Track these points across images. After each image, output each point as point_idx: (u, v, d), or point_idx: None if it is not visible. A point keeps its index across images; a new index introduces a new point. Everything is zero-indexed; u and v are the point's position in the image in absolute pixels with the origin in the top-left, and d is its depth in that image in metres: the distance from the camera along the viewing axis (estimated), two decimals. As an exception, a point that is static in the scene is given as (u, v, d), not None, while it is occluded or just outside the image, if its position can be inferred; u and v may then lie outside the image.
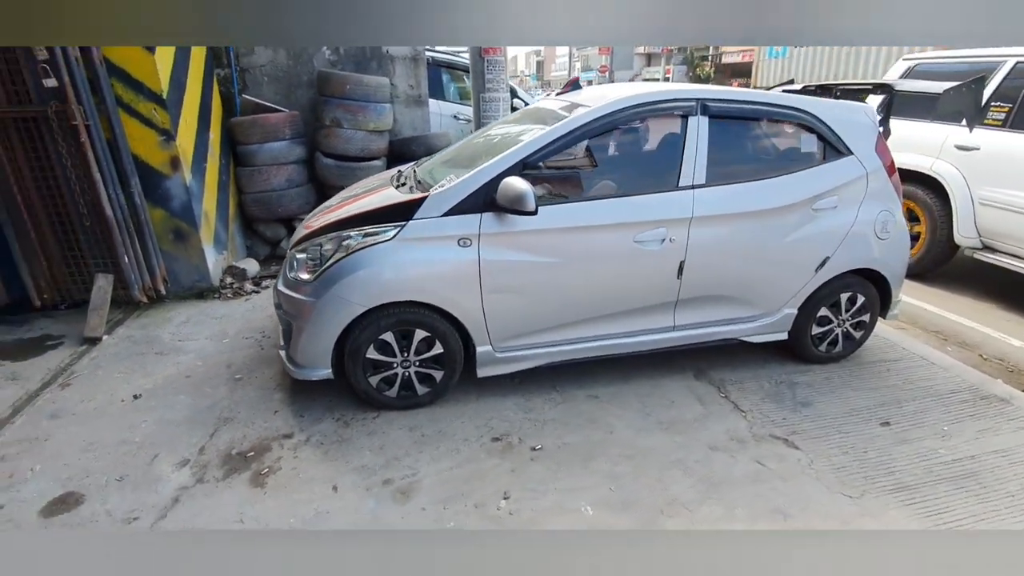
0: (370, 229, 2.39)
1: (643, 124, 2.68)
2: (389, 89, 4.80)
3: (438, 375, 2.57)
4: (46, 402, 2.66)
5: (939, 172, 4.16)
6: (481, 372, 2.62)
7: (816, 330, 2.98)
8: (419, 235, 2.36)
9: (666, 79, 37.37)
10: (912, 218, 4.44)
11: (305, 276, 2.42)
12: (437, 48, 6.54)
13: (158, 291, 3.68)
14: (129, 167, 3.41)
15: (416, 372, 2.54)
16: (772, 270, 2.76)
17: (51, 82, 2.90)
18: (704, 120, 2.58)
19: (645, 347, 2.78)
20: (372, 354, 2.45)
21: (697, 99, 2.57)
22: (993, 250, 4.00)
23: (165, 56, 3.49)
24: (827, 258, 2.78)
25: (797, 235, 2.72)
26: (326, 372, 2.47)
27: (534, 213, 2.25)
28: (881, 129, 3.12)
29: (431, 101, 5.73)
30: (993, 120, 3.93)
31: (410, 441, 2.38)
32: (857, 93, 3.12)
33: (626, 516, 2.00)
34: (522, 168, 2.42)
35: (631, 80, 45.00)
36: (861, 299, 2.97)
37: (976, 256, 4.06)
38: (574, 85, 4.67)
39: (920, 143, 4.33)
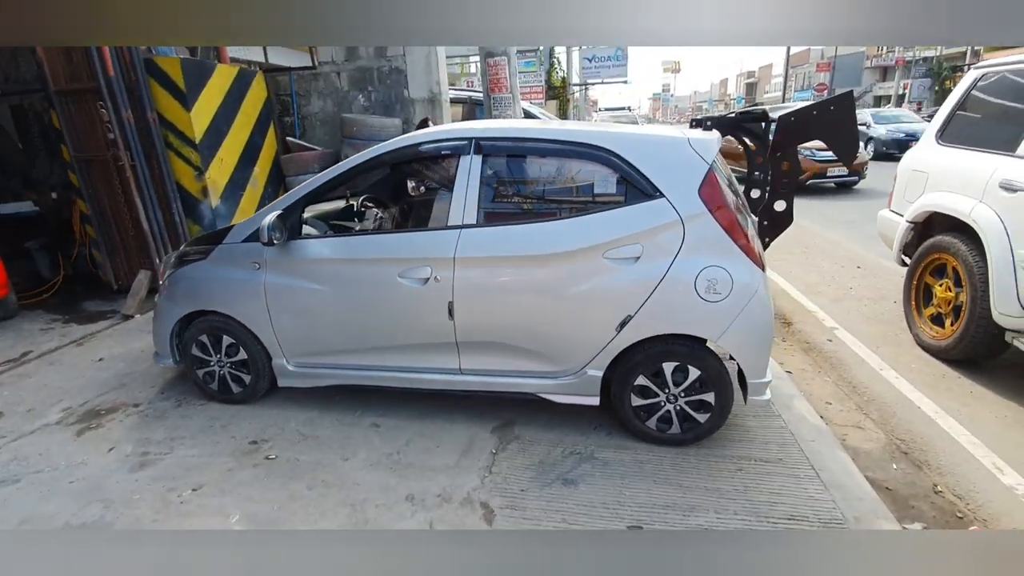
0: (200, 248, 2.94)
1: (436, 162, 2.69)
2: (397, 129, 5.40)
3: (247, 378, 2.96)
4: (60, 352, 3.85)
5: (977, 220, 2.96)
6: (281, 382, 2.93)
7: (638, 401, 2.51)
8: (224, 257, 2.82)
9: (901, 96, 30.83)
10: (958, 282, 3.22)
11: (162, 281, 3.09)
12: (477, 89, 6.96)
13: (188, 287, 4.85)
14: (172, 194, 4.63)
15: (229, 373, 2.98)
16: (558, 323, 2.46)
17: (111, 135, 4.20)
18: (477, 159, 2.48)
19: (433, 386, 2.73)
20: (196, 352, 2.98)
21: (470, 138, 2.49)
22: (1050, 339, 2.68)
23: (203, 112, 4.66)
24: (629, 316, 2.36)
25: (585, 286, 2.38)
26: (170, 361, 3.08)
27: (268, 244, 2.51)
28: (773, 170, 2.52)
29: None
30: (1054, 148, 2.67)
31: (199, 428, 2.82)
32: (737, 121, 2.55)
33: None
34: (305, 203, 2.69)
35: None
36: (696, 373, 2.40)
37: (1018, 343, 2.77)
38: (422, 123, 4.61)
39: (965, 180, 3.14)
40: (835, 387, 3.23)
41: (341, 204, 3.24)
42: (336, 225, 3.07)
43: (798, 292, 4.72)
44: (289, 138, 5.66)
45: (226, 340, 2.90)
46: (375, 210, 3.34)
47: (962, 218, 3.08)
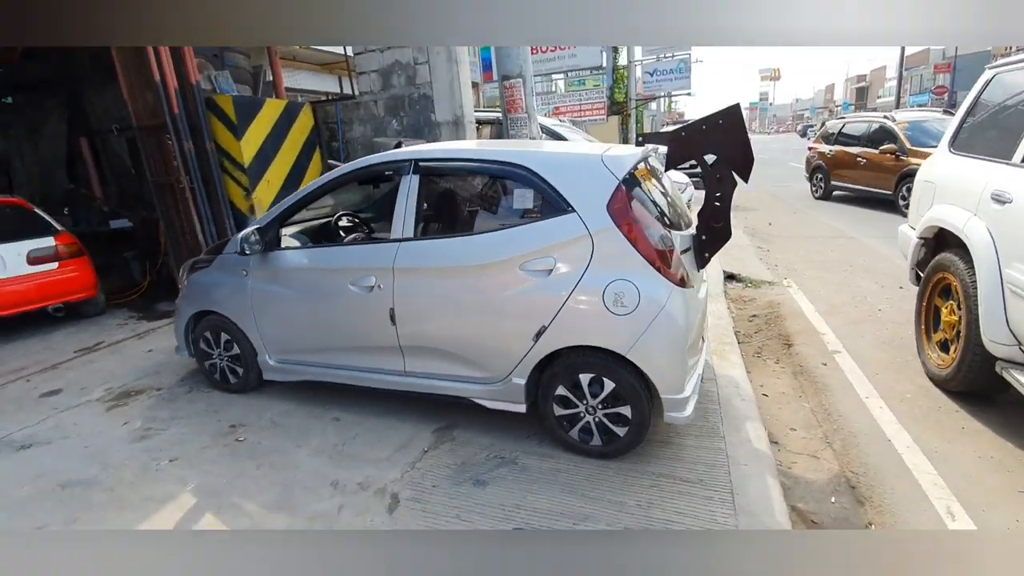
0: (208, 256, 3.44)
1: (390, 181, 2.96)
2: (421, 150, 5.79)
3: (241, 371, 3.39)
4: (124, 344, 4.60)
5: (969, 235, 2.65)
6: (265, 375, 3.32)
7: (560, 411, 2.57)
8: (223, 265, 3.28)
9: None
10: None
11: (180, 285, 3.63)
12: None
13: (237, 292, 5.54)
14: (226, 211, 5.34)
15: (228, 365, 3.42)
16: (482, 331, 2.59)
17: (175, 163, 4.98)
18: (415, 178, 2.70)
19: (383, 385, 2.96)
20: (203, 346, 3.46)
21: (411, 159, 2.72)
22: (1043, 370, 2.33)
23: (252, 141, 5.36)
24: (544, 327, 2.44)
25: (504, 297, 2.51)
26: (186, 353, 3.60)
27: (241, 253, 2.90)
28: (707, 186, 2.48)
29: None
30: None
31: (195, 412, 3.28)
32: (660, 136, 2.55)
33: (213, 501, 2.43)
34: (282, 219, 3.08)
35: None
36: (611, 385, 2.42)
37: (1006, 375, 2.43)
38: (397, 145, 4.73)
39: (964, 191, 2.83)
40: (810, 413, 3.01)
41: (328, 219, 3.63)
42: (320, 238, 3.45)
43: (815, 313, 4.38)
44: (331, 161, 6.28)
45: (224, 336, 3.35)
46: (358, 223, 3.69)
47: (957, 233, 2.78)
